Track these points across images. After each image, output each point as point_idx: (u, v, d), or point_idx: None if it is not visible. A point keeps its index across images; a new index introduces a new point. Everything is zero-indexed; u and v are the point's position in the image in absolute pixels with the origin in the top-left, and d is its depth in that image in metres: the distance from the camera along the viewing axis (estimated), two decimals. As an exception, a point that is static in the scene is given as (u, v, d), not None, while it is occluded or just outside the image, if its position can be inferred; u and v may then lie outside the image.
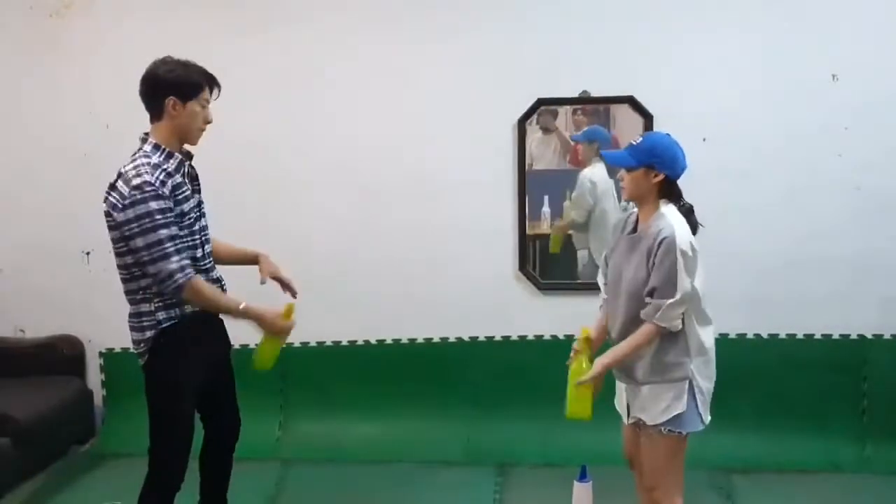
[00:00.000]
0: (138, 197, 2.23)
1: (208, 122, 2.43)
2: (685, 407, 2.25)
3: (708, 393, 2.32)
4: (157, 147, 2.35)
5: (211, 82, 2.41)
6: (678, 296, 2.17)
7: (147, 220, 2.24)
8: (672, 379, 2.26)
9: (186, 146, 2.45)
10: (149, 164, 2.29)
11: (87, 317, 3.96)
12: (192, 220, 2.40)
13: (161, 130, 2.37)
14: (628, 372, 2.34)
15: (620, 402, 2.44)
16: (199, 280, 2.36)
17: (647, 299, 2.22)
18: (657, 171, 2.26)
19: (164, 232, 2.26)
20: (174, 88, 2.34)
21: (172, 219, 2.29)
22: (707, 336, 2.31)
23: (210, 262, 2.51)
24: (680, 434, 2.28)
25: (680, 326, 2.23)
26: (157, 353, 2.39)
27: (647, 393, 2.30)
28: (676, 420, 2.27)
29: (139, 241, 2.25)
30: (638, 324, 2.26)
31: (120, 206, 2.27)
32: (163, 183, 2.28)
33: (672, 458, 2.33)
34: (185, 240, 2.35)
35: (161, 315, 2.37)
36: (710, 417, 2.33)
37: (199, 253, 2.43)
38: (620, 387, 2.44)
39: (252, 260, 2.70)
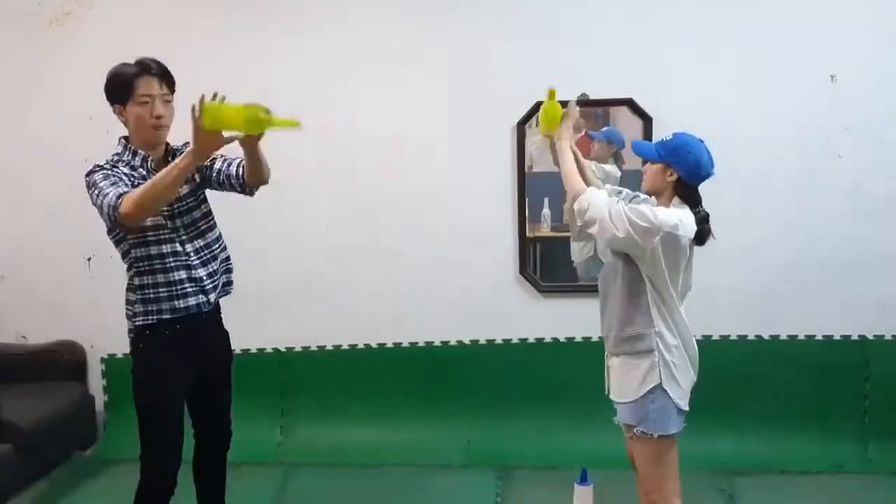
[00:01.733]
0: (88, 180, 2.32)
1: (156, 116, 2.34)
2: (660, 378, 2.25)
3: (685, 383, 2.31)
4: (126, 146, 2.40)
5: (147, 73, 2.33)
6: (616, 212, 2.20)
7: (94, 188, 2.29)
8: (638, 350, 2.28)
9: (170, 144, 2.46)
10: (111, 158, 2.38)
11: (89, 323, 3.97)
12: (164, 213, 2.36)
13: (130, 135, 2.42)
14: (604, 338, 2.42)
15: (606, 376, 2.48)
16: (129, 195, 2.20)
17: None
18: (673, 171, 2.29)
19: (101, 181, 2.27)
20: (111, 96, 2.37)
21: (114, 176, 2.31)
22: (674, 337, 2.30)
23: (199, 258, 2.45)
24: (652, 436, 2.27)
25: (584, 224, 2.28)
26: (138, 349, 2.42)
27: (619, 369, 2.34)
28: (653, 419, 2.26)
29: (95, 203, 2.29)
30: (610, 293, 2.31)
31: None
32: (113, 165, 2.34)
33: (661, 462, 2.32)
34: (151, 229, 2.35)
35: (138, 308, 2.39)
36: (686, 408, 2.31)
37: (178, 248, 2.39)
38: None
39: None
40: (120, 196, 2.20)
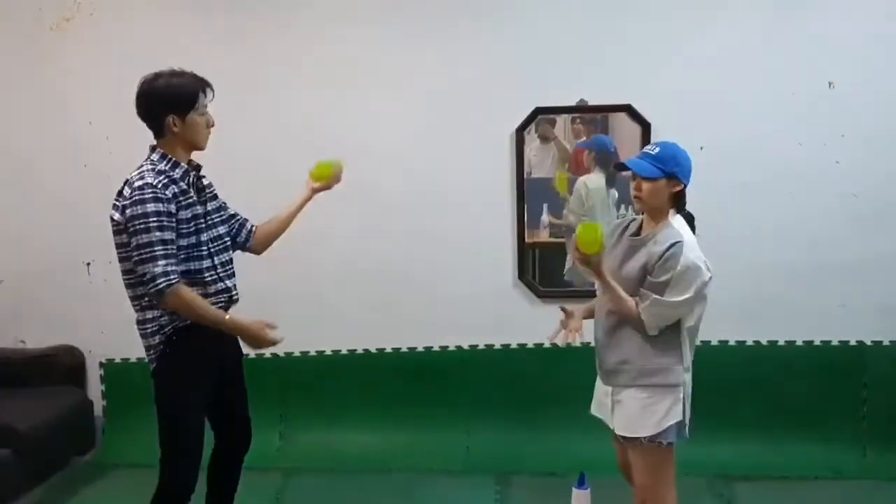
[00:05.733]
0: (138, 197, 2.27)
1: (211, 125, 2.45)
2: (681, 415, 2.23)
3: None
4: (164, 156, 2.38)
5: (205, 86, 2.41)
6: (673, 300, 2.15)
7: (142, 220, 2.26)
8: (665, 384, 2.23)
9: (195, 159, 2.47)
10: (153, 169, 2.34)
11: (88, 327, 3.97)
12: (193, 229, 2.39)
13: (167, 144, 2.40)
14: (610, 373, 2.32)
15: (600, 409, 2.43)
16: (184, 288, 2.31)
17: (644, 291, 2.20)
18: (679, 181, 2.22)
19: (157, 234, 2.27)
20: (171, 105, 2.35)
21: (169, 223, 2.30)
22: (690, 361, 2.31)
23: (220, 273, 2.48)
24: (660, 444, 2.26)
25: (654, 333, 2.21)
26: (166, 359, 2.40)
27: (634, 402, 2.27)
28: (664, 430, 2.25)
29: (133, 241, 2.28)
30: (625, 325, 2.25)
31: (121, 206, 2.31)
32: (165, 186, 2.31)
33: (660, 470, 2.31)
34: (185, 248, 2.36)
35: (164, 319, 2.37)
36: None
37: (205, 263, 2.42)
38: (598, 391, 2.43)
39: (301, 204, 2.78)
40: (171, 277, 2.26)
